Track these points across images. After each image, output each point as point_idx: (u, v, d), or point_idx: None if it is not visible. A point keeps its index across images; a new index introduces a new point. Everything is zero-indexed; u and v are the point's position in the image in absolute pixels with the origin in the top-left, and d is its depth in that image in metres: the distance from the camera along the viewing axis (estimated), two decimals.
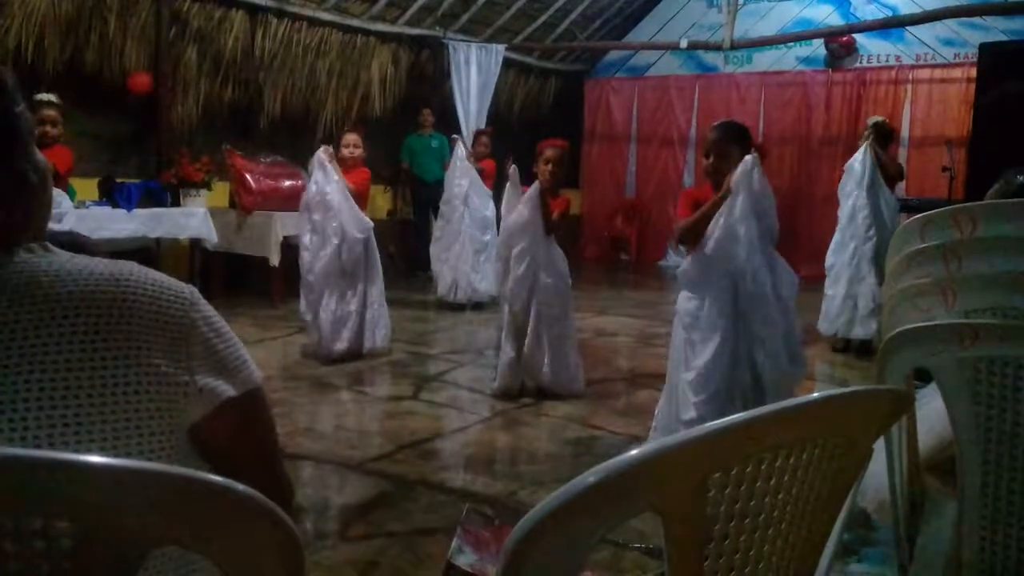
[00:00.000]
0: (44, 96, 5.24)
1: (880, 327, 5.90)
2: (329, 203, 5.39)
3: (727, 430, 0.83)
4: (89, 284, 0.93)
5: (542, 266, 4.77)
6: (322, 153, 5.43)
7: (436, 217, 9.22)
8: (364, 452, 3.86)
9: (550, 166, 4.81)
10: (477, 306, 7.69)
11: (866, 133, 6.13)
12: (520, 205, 4.80)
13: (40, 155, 1.05)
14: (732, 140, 3.50)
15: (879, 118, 6.33)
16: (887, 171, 6.03)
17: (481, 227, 7.83)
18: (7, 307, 0.90)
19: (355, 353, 5.54)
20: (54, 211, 5.14)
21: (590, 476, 0.75)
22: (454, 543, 1.48)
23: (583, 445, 4.08)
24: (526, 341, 4.78)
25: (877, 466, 1.70)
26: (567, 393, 4.79)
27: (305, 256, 5.53)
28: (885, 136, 6.14)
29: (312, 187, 5.49)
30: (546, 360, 4.77)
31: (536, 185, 4.77)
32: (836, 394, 0.97)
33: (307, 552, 0.66)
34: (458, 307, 7.68)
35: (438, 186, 9.31)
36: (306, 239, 5.53)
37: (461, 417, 4.52)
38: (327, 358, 5.46)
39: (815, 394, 0.93)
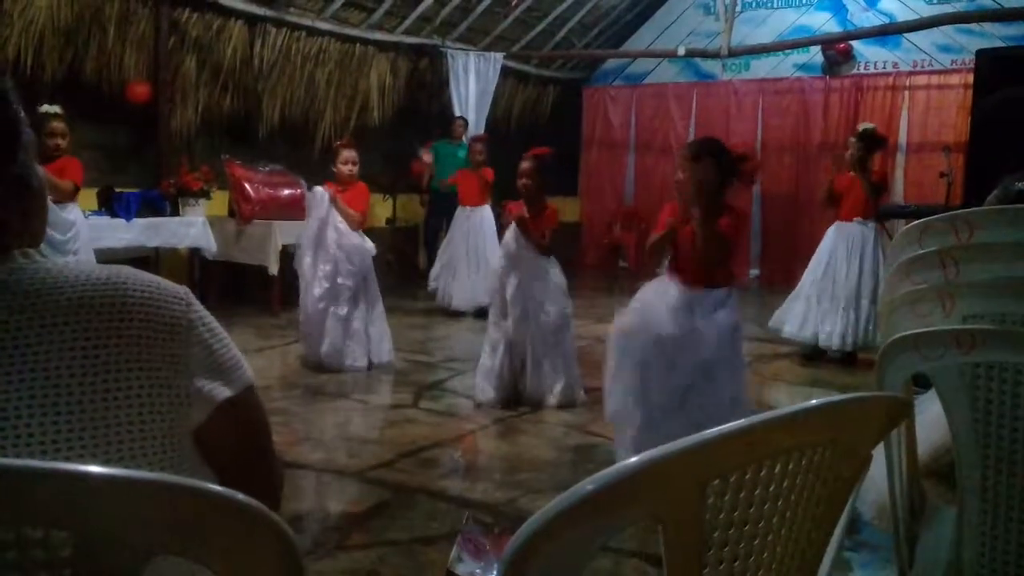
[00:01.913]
0: (50, 108, 5.24)
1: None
2: (328, 245, 5.44)
3: (726, 437, 0.83)
4: (87, 288, 0.93)
5: (539, 302, 4.73)
6: (326, 196, 5.45)
7: (448, 227, 9.14)
8: (363, 460, 3.86)
9: (523, 179, 4.79)
10: (481, 312, 7.68)
11: (853, 141, 6.09)
12: (505, 244, 4.78)
13: (37, 164, 1.05)
14: (691, 159, 3.51)
15: (869, 125, 6.30)
16: (873, 187, 6.01)
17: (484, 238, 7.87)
18: (7, 314, 0.90)
19: (362, 369, 5.55)
20: (71, 232, 5.19)
21: (589, 484, 0.75)
22: (454, 551, 1.48)
23: (582, 452, 4.08)
24: (527, 374, 4.77)
25: (877, 472, 1.70)
26: (568, 405, 4.79)
27: (305, 289, 5.56)
28: (875, 144, 6.10)
29: (314, 226, 5.50)
30: (548, 384, 4.77)
31: (512, 227, 4.75)
32: (835, 401, 0.97)
33: (307, 561, 0.67)
34: (459, 314, 7.68)
35: (452, 196, 9.26)
36: (308, 273, 5.55)
37: (460, 425, 4.51)
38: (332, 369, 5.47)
39: (813, 401, 0.93)
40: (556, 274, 4.83)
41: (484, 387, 4.83)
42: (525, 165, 4.83)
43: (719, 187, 3.51)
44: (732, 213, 3.55)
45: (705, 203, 3.45)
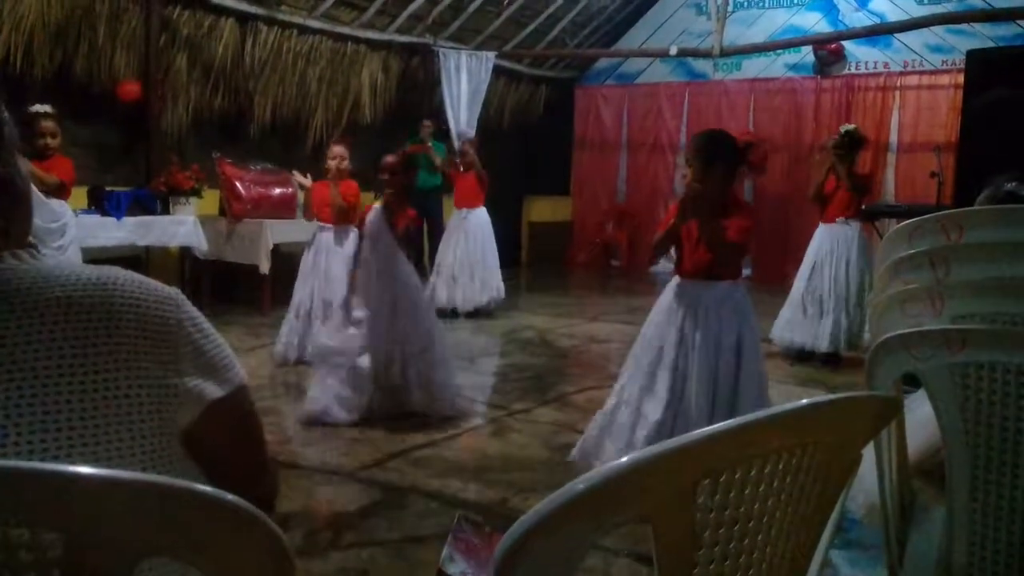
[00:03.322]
0: (40, 108, 5.22)
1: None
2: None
3: (715, 437, 0.83)
4: (77, 289, 0.93)
5: (401, 295, 4.44)
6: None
7: (429, 226, 9.26)
8: (355, 460, 3.85)
9: (385, 175, 4.54)
10: (473, 313, 7.69)
11: (832, 142, 6.07)
12: (368, 224, 4.50)
13: (22, 163, 1.05)
14: (698, 152, 3.39)
15: (850, 126, 6.30)
16: (856, 184, 6.00)
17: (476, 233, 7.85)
18: None
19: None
20: (57, 223, 5.17)
21: (579, 484, 0.75)
22: (445, 551, 1.48)
23: None
24: (395, 382, 4.43)
25: (867, 471, 1.71)
26: (438, 413, 4.47)
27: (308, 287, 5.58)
28: (857, 144, 6.09)
29: (320, 261, 5.61)
30: (419, 395, 4.45)
31: (377, 207, 4.49)
32: (825, 400, 0.97)
33: (298, 561, 0.66)
34: (451, 314, 7.67)
35: (431, 194, 9.34)
36: (301, 293, 5.63)
37: (452, 424, 4.50)
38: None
39: (803, 401, 0.93)
40: (412, 272, 4.57)
41: (337, 401, 4.36)
42: (389, 160, 4.57)
43: (727, 183, 3.40)
44: (741, 212, 3.42)
45: (713, 202, 3.32)
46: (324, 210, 5.66)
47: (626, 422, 3.49)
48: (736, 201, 3.50)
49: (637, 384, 3.52)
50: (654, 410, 3.43)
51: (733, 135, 3.53)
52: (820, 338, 5.92)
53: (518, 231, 12.23)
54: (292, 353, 5.57)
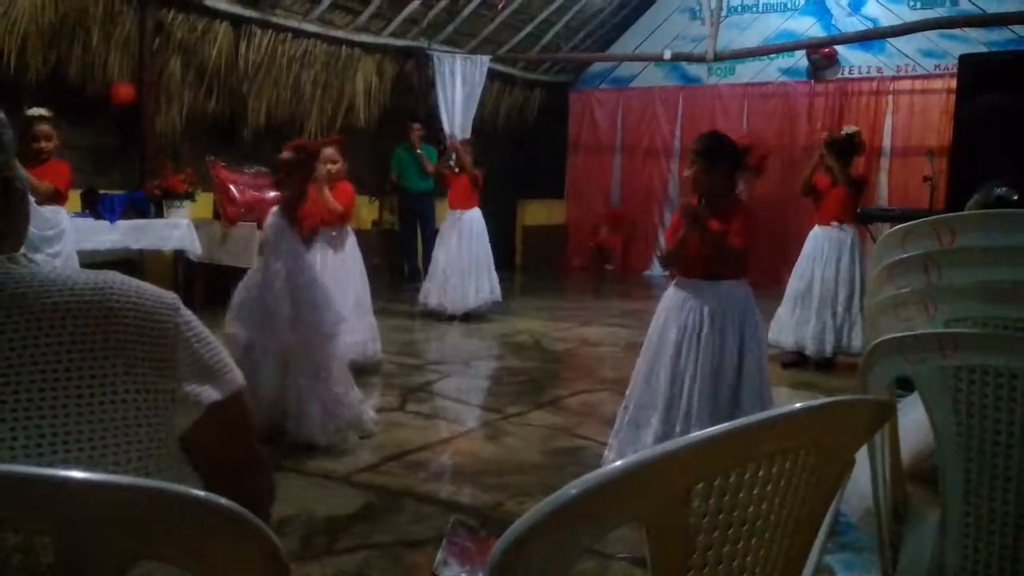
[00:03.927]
0: (36, 111, 5.19)
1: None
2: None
3: (709, 441, 0.83)
4: (74, 294, 0.93)
5: (308, 303, 4.08)
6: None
7: (421, 229, 9.32)
8: (350, 464, 3.84)
9: (282, 174, 4.27)
10: (466, 317, 7.68)
11: (829, 138, 6.06)
12: (266, 228, 4.18)
13: (21, 168, 1.05)
14: (701, 154, 3.40)
15: (851, 128, 6.28)
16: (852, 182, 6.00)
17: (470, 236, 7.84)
18: None
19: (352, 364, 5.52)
20: (53, 230, 5.15)
21: (572, 488, 0.75)
22: (439, 555, 1.48)
23: (569, 455, 4.08)
24: (288, 400, 4.02)
25: (860, 474, 1.71)
26: (334, 443, 4.05)
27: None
28: (855, 149, 6.08)
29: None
30: (311, 415, 4.00)
31: (275, 209, 4.18)
32: (819, 404, 0.97)
33: (292, 565, 0.67)
34: (447, 317, 7.67)
35: (423, 197, 9.38)
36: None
37: (447, 428, 4.51)
38: None
39: (797, 404, 0.93)
40: (323, 288, 4.22)
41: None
42: (284, 156, 4.19)
43: (729, 185, 3.41)
44: (742, 215, 3.40)
45: (715, 204, 3.33)
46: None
47: (630, 423, 3.50)
48: (738, 207, 3.48)
49: (640, 384, 3.52)
50: (657, 410, 3.43)
51: (732, 138, 3.53)
52: (806, 340, 5.94)
53: (512, 234, 12.24)
54: None
